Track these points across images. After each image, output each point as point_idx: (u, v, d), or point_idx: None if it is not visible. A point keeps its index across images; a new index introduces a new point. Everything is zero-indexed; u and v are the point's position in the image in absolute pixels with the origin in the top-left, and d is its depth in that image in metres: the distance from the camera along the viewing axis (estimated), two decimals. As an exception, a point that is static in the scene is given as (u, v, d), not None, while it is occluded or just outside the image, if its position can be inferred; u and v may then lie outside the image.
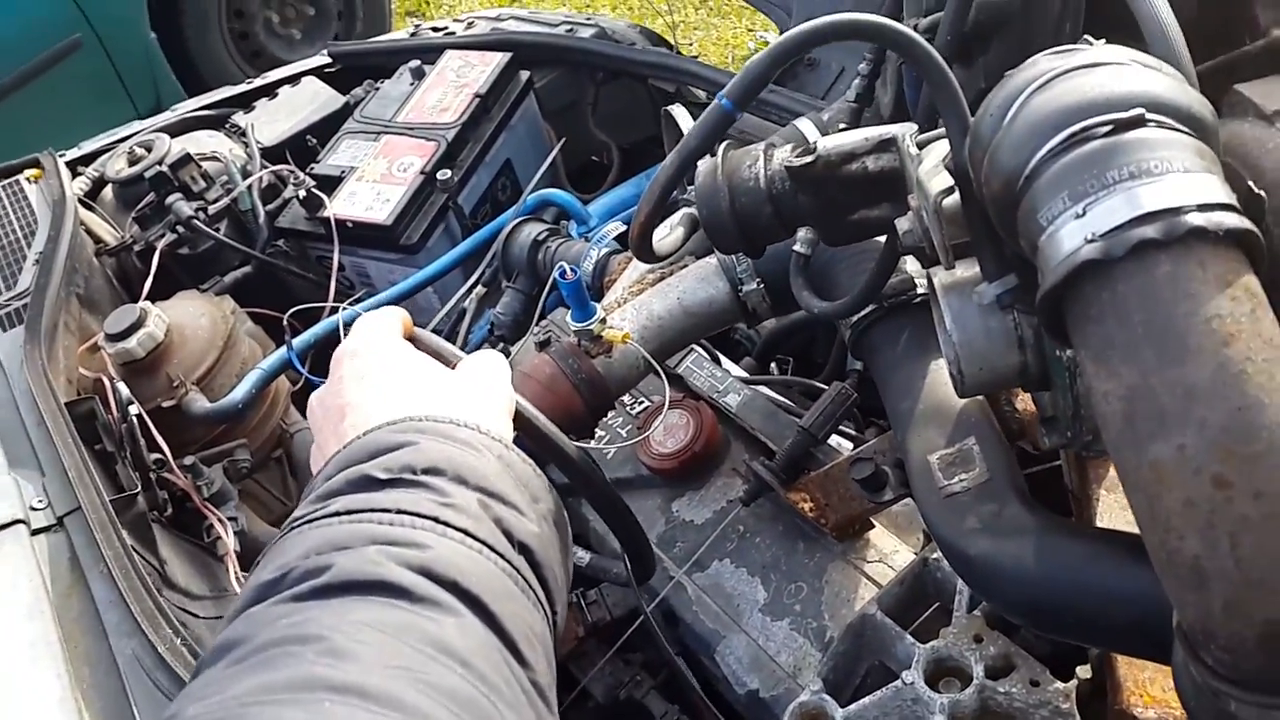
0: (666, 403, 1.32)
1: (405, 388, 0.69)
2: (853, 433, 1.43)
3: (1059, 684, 0.99)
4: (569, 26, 2.31)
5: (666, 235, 0.92)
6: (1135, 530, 0.84)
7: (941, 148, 0.76)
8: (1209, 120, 0.56)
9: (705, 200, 0.91)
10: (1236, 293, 0.51)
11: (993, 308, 0.76)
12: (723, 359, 1.65)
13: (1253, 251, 0.52)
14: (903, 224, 0.77)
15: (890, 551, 1.27)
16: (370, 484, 0.57)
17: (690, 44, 4.24)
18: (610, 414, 1.48)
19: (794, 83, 2.19)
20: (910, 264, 1.14)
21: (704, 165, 0.91)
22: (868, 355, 1.16)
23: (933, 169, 0.73)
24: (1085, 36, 0.68)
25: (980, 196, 0.69)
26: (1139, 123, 0.54)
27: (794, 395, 1.60)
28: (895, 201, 0.86)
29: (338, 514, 0.55)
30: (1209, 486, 0.49)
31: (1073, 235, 0.54)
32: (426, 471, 0.58)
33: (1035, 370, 0.77)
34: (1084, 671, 1.00)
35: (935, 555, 1.15)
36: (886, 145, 0.83)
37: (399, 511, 0.55)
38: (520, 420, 0.99)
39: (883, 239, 1.15)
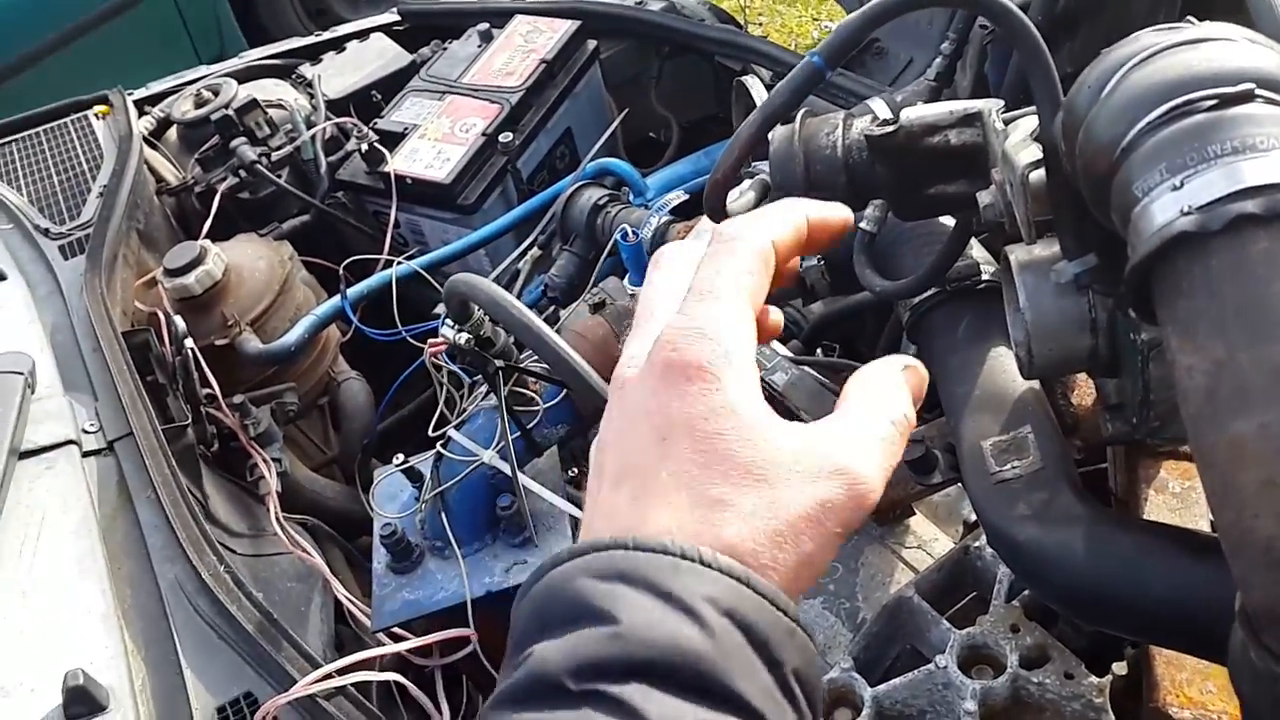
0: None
1: (705, 467, 0.47)
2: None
3: (1094, 678, 0.98)
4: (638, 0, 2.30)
5: (737, 199, 0.91)
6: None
7: (1028, 123, 0.75)
8: (1316, 102, 0.56)
9: (780, 165, 0.91)
10: (1334, 274, 0.50)
11: (1068, 288, 0.75)
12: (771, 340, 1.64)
13: (1352, 235, 0.51)
14: (984, 197, 0.76)
15: (930, 539, 1.27)
16: (559, 696, 0.43)
17: (756, 29, 4.22)
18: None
19: (861, 70, 2.17)
20: (975, 249, 1.13)
21: (781, 131, 0.91)
22: (925, 338, 1.15)
23: (1020, 142, 0.72)
24: (1189, 18, 0.67)
25: (1068, 171, 0.68)
26: (1247, 98, 0.53)
27: (840, 380, 1.59)
28: (973, 178, 0.85)
29: None
30: (1291, 467, 0.49)
31: (1168, 207, 0.53)
32: (628, 675, 0.43)
33: (1105, 354, 0.76)
34: (1120, 668, 0.99)
35: (977, 544, 1.15)
36: (971, 120, 0.82)
37: None
38: (565, 371, 0.99)
39: (949, 223, 1.15)
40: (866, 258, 1.14)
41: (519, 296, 1.63)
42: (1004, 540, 0.92)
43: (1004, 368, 1.04)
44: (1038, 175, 0.69)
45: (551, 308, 1.57)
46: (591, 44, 2.11)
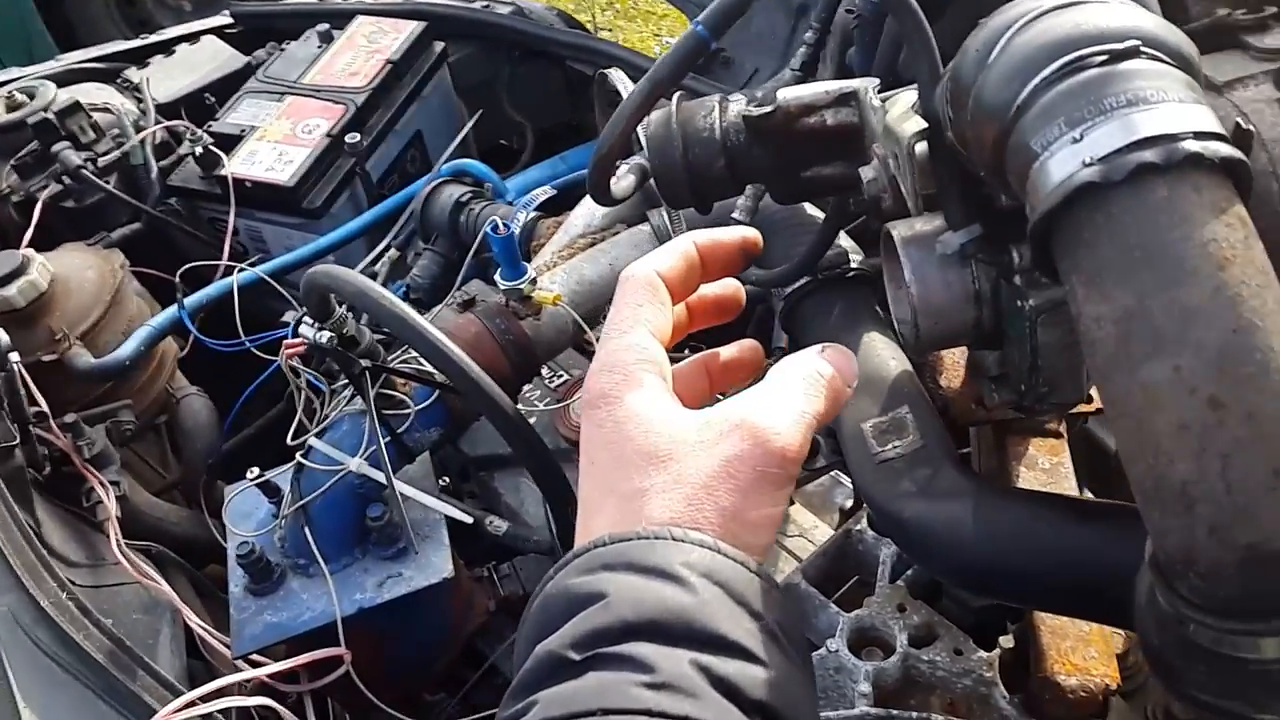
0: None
1: (619, 469, 0.53)
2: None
3: (982, 653, 1.00)
4: (485, 3, 2.26)
5: (617, 182, 0.89)
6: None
7: (907, 99, 0.76)
8: (1194, 58, 0.57)
9: (657, 149, 0.89)
10: (1230, 219, 0.51)
11: (952, 260, 0.76)
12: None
13: (1241, 182, 0.53)
14: (867, 173, 0.77)
15: (810, 527, 1.27)
16: (566, 668, 0.47)
17: (597, 42, 4.23)
18: (526, 386, 1.45)
19: (709, 78, 2.20)
20: (843, 239, 1.15)
21: (657, 114, 0.89)
22: (799, 327, 1.16)
23: (901, 115, 0.73)
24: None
25: (953, 141, 0.69)
26: (1134, 53, 0.54)
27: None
28: (850, 159, 0.86)
29: None
30: (1204, 408, 0.49)
31: (1068, 160, 0.54)
32: (625, 636, 0.47)
33: (990, 324, 0.77)
34: (1007, 641, 1.01)
35: (858, 528, 1.16)
36: (846, 99, 0.83)
37: (604, 713, 0.45)
38: (452, 370, 0.95)
39: (818, 214, 1.16)
40: (739, 246, 1.14)
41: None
42: (891, 519, 0.93)
43: (878, 351, 1.05)
44: (923, 146, 0.70)
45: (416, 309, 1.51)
46: (439, 46, 2.06)
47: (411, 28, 2.03)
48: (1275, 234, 0.66)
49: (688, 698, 0.45)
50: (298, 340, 1.04)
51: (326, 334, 1.02)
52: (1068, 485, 1.09)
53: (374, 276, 1.54)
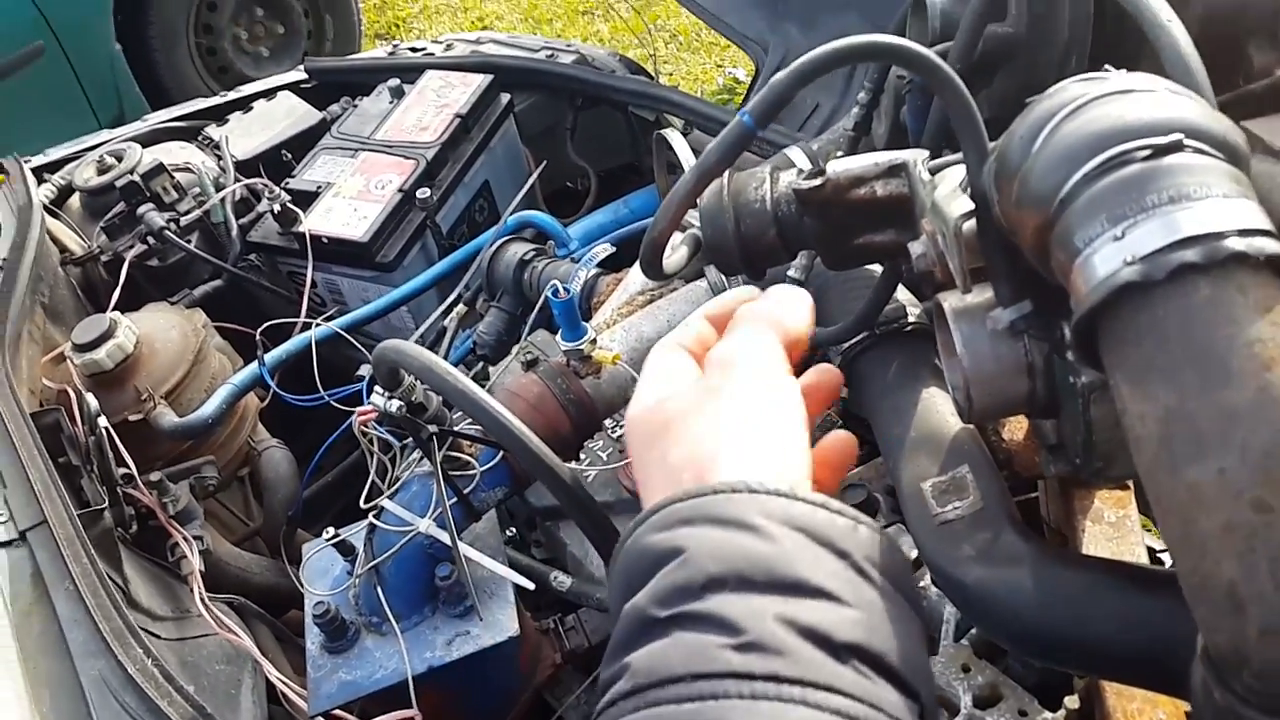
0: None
1: (699, 412, 0.56)
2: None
3: (1047, 714, 0.99)
4: (549, 52, 2.31)
5: (670, 255, 0.91)
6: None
7: (955, 174, 0.76)
8: (1242, 147, 0.57)
9: (710, 220, 0.91)
10: (1277, 318, 0.51)
11: (1003, 334, 0.76)
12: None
13: (1290, 278, 0.53)
14: (916, 248, 0.77)
15: (874, 581, 1.27)
16: (652, 627, 0.47)
17: (664, 78, 4.27)
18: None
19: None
20: (900, 291, 1.15)
21: (710, 186, 0.91)
22: (857, 382, 1.16)
23: (950, 194, 0.73)
24: (1106, 66, 0.69)
25: (1000, 222, 0.69)
26: (1177, 147, 0.54)
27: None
28: (900, 227, 0.86)
29: (634, 691, 0.46)
30: (1249, 511, 0.49)
31: (1111, 258, 0.54)
32: (707, 590, 0.47)
33: (1044, 397, 0.77)
34: (1072, 702, 1.00)
35: (921, 584, 1.15)
36: (896, 171, 0.83)
37: (693, 678, 0.44)
38: (505, 436, 0.98)
39: (875, 269, 1.16)
40: (797, 305, 1.15)
41: (446, 353, 1.60)
42: (951, 583, 0.93)
43: (937, 408, 1.05)
44: (970, 226, 0.70)
45: (481, 364, 1.55)
46: (505, 97, 2.11)
47: (479, 81, 2.08)
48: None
49: (775, 655, 0.45)
50: (369, 407, 1.08)
51: (396, 402, 1.05)
52: (1134, 539, 1.07)
53: (444, 330, 1.58)
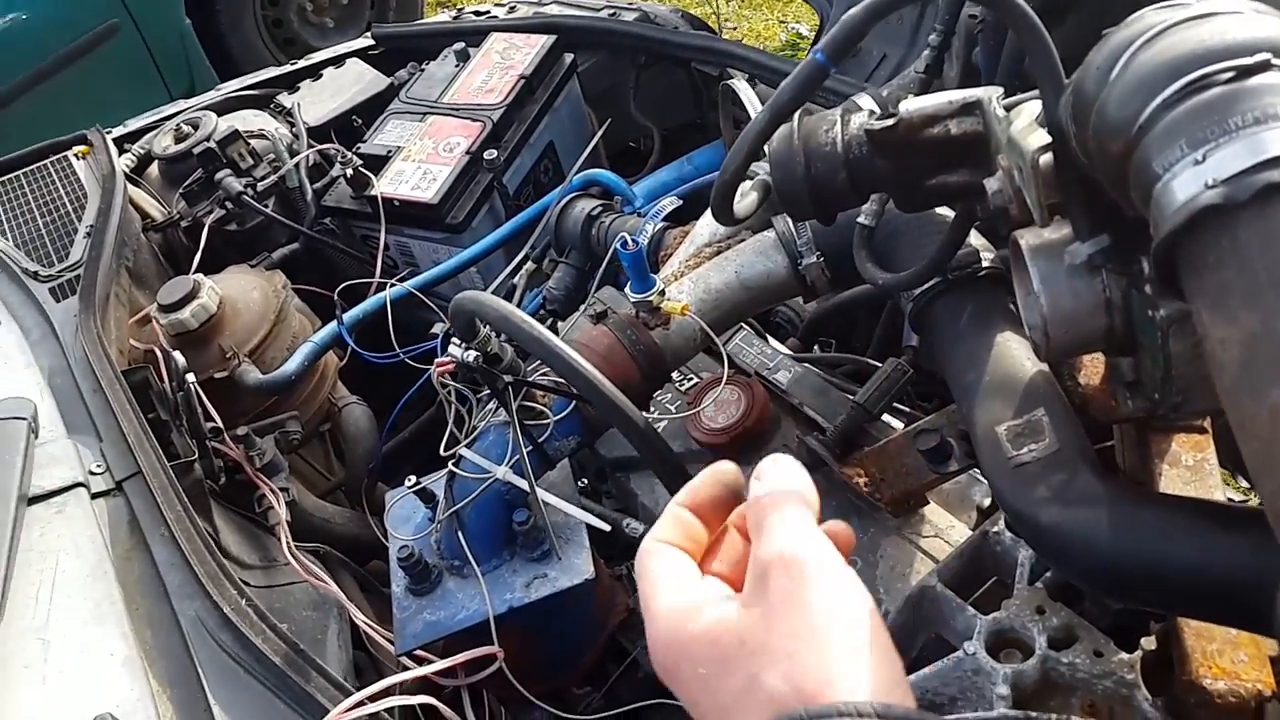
0: (725, 375, 1.32)
1: (803, 650, 0.50)
2: (907, 410, 1.43)
3: (1123, 655, 0.98)
4: (612, 10, 2.31)
5: (740, 200, 0.92)
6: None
7: (1032, 109, 0.76)
8: (1331, 68, 0.56)
9: (780, 165, 0.91)
10: (1364, 237, 0.50)
11: (1080, 270, 0.75)
12: (770, 339, 1.65)
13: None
14: (992, 184, 0.77)
15: (946, 527, 1.27)
16: None
17: (726, 34, 4.24)
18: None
19: (836, 71, 2.18)
20: (973, 237, 1.14)
21: (779, 130, 0.91)
22: (930, 328, 1.16)
23: (1026, 128, 0.73)
24: (1185, -6, 0.68)
25: (1078, 154, 0.69)
26: (1264, 68, 0.54)
27: (842, 376, 1.60)
28: (975, 167, 0.86)
29: None
30: (1334, 430, 0.49)
31: (1191, 182, 0.54)
32: None
33: (1122, 333, 0.77)
34: (1149, 643, 1.00)
35: (995, 529, 1.15)
36: (970, 109, 0.83)
37: None
38: (581, 383, 1.00)
39: (945, 213, 1.15)
40: (867, 252, 1.15)
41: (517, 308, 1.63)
42: (1027, 524, 0.93)
43: (1011, 353, 1.05)
44: (1048, 159, 0.70)
45: (551, 319, 1.57)
46: (569, 58, 2.12)
47: (542, 41, 2.09)
48: None
49: None
50: (447, 359, 1.10)
51: (473, 353, 1.07)
52: (1212, 482, 1.06)
53: (514, 288, 1.61)
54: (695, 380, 1.52)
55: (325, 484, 1.82)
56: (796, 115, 0.93)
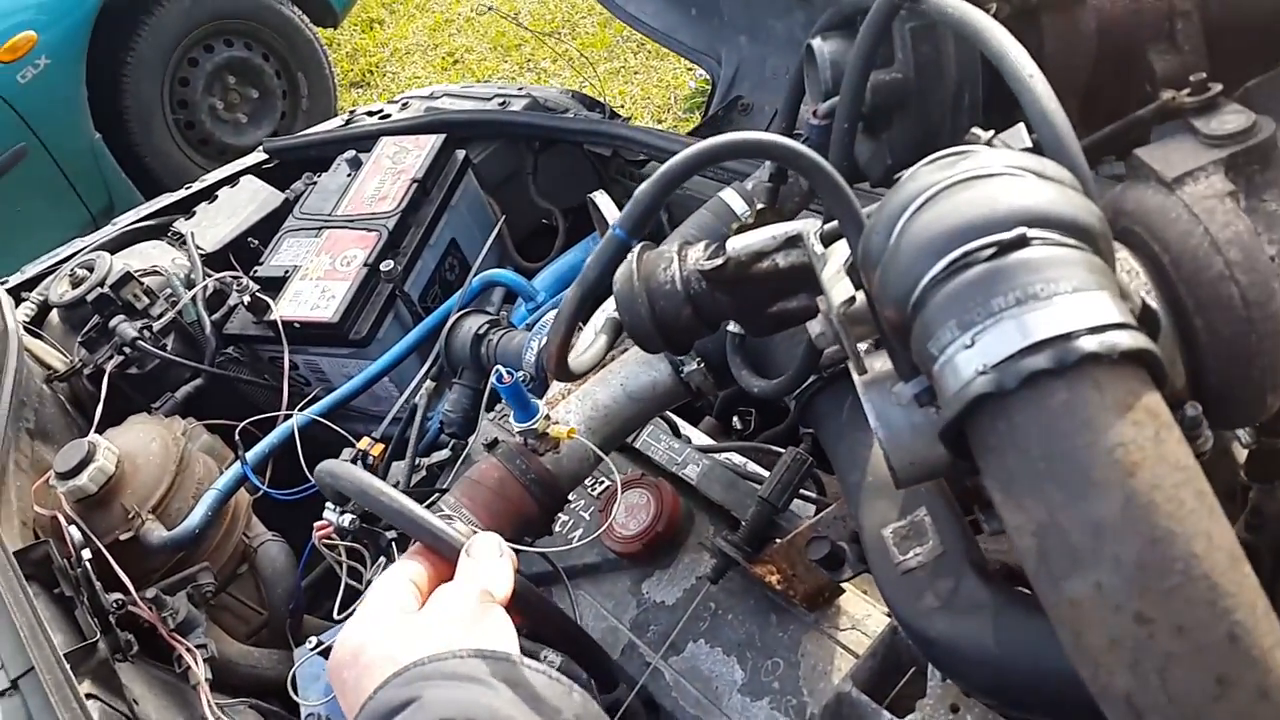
0: (619, 491, 1.30)
1: (405, 633, 0.68)
2: (814, 496, 1.41)
3: (1043, 754, 0.97)
4: (501, 100, 2.30)
5: (590, 345, 0.90)
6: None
7: (841, 252, 0.75)
8: (1097, 227, 0.55)
9: (626, 308, 0.89)
10: (1138, 416, 0.49)
11: (914, 403, 0.74)
12: (682, 425, 1.63)
13: (1152, 369, 0.51)
14: (814, 327, 0.75)
15: (862, 617, 1.25)
16: None
17: (633, 88, 4.25)
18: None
19: (731, 129, 2.19)
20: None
21: (621, 271, 0.90)
22: (815, 423, 1.15)
23: (835, 275, 0.72)
24: (974, 130, 0.67)
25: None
26: (1021, 243, 0.53)
27: (760, 459, 1.58)
28: (811, 292, 0.85)
29: None
30: (1131, 624, 0.47)
31: (964, 366, 0.52)
32: None
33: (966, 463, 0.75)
34: (1068, 739, 0.98)
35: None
36: (794, 241, 0.82)
37: None
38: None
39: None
40: (740, 358, 1.14)
41: (421, 431, 1.60)
42: (919, 636, 0.91)
43: (895, 449, 1.03)
44: (855, 311, 0.68)
45: (452, 441, 1.54)
46: (461, 154, 2.10)
47: (432, 142, 2.08)
48: (1241, 341, 0.64)
49: None
50: (324, 523, 1.08)
51: (349, 515, 1.05)
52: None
53: (415, 408, 1.58)
54: (606, 483, 1.49)
55: (258, 619, 1.77)
56: (635, 252, 0.91)
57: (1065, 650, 0.52)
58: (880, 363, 0.77)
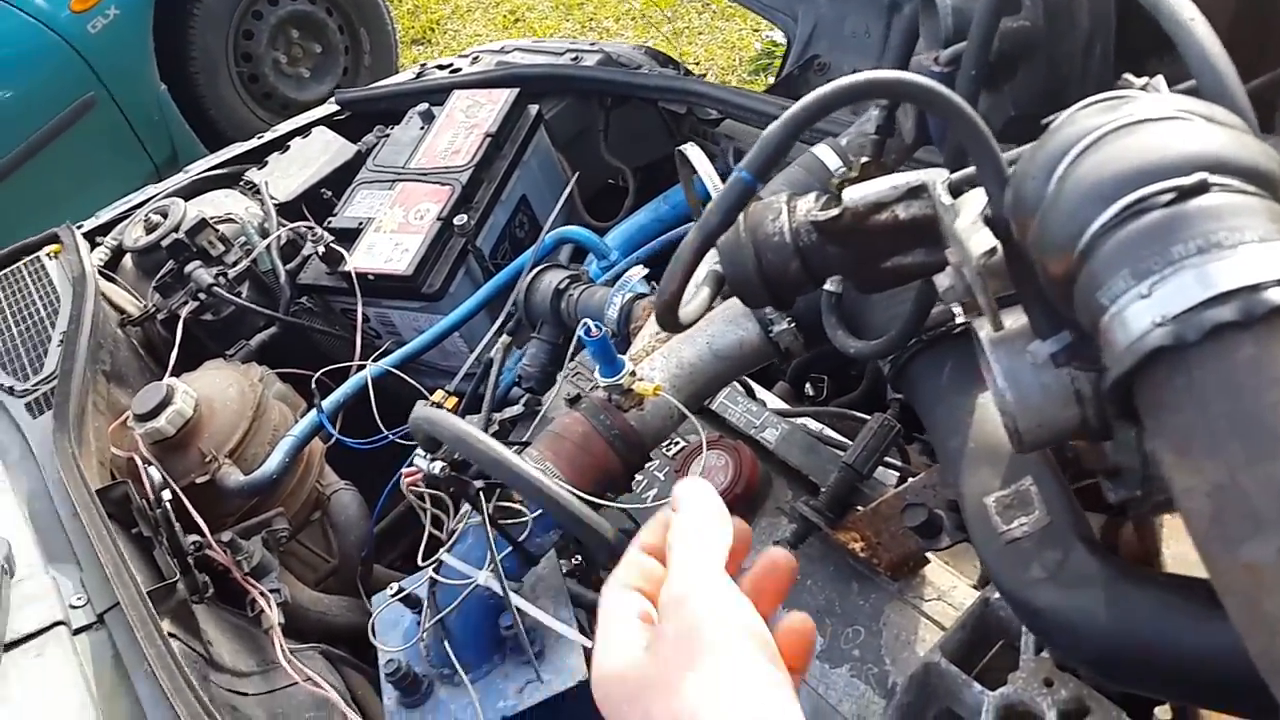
0: (704, 449, 1.28)
1: (729, 686, 0.53)
2: (898, 464, 1.39)
3: (1139, 727, 0.94)
4: (574, 55, 2.27)
5: (692, 299, 0.88)
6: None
7: (977, 200, 0.71)
8: (1278, 174, 0.52)
9: (730, 259, 0.87)
10: (1329, 374, 0.46)
11: (1047, 363, 0.71)
12: (757, 389, 1.61)
13: (1343, 324, 0.48)
14: (942, 280, 0.73)
15: (948, 588, 1.23)
16: None
17: (697, 49, 4.19)
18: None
19: (806, 89, 2.14)
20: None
21: (726, 221, 0.87)
22: (909, 389, 1.12)
23: (971, 225, 0.69)
24: (1126, 76, 0.64)
25: (1026, 254, 0.64)
26: (1202, 189, 0.50)
27: (835, 424, 1.56)
28: (930, 247, 0.82)
29: None
30: (1316, 591, 0.45)
31: (1139, 317, 0.49)
32: None
33: (1096, 423, 0.72)
34: (1163, 713, 0.96)
35: (995, 595, 1.11)
36: (917, 192, 0.79)
37: None
38: (545, 501, 0.97)
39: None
40: (836, 318, 1.11)
41: (495, 386, 1.59)
42: (1023, 606, 0.89)
43: (995, 415, 1.00)
44: (994, 263, 0.65)
45: (528, 395, 1.53)
46: (534, 109, 2.08)
47: (505, 96, 2.06)
48: None
49: None
50: (413, 469, 1.07)
51: (439, 464, 1.04)
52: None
53: (491, 362, 1.57)
54: (682, 444, 1.48)
55: (326, 567, 1.79)
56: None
57: (1233, 619, 0.49)
58: (1008, 321, 0.74)
